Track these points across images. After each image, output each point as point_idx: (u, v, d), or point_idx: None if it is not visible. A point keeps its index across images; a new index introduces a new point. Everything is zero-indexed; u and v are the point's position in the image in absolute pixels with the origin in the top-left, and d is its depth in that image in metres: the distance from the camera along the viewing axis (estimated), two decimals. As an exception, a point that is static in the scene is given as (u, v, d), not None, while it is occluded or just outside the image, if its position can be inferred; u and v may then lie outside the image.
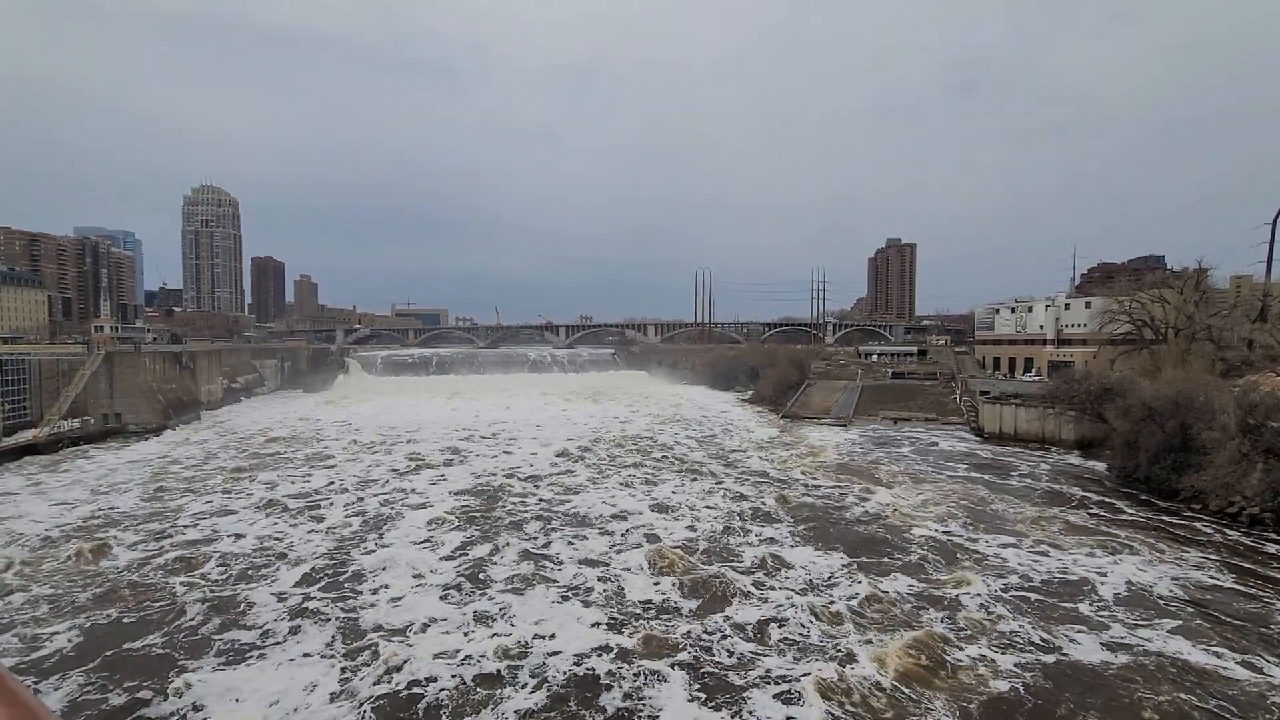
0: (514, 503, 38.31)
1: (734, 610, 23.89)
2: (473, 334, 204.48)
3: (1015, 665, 20.03)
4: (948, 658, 20.44)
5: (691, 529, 33.38)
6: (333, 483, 43.36)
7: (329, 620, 23.08)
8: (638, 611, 23.87)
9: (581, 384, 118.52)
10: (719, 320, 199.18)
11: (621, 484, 42.89)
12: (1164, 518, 35.51)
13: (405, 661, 20.10)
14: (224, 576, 27.14)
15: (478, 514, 35.91)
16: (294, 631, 22.31)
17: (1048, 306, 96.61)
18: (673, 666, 20.00)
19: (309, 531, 32.76)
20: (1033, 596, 25.13)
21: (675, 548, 30.09)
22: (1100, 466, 47.48)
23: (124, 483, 44.05)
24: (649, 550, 29.88)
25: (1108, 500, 38.93)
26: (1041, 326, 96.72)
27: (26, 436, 57.34)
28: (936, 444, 57.97)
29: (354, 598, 24.85)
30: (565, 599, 24.98)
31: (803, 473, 45.84)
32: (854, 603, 24.39)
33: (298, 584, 26.23)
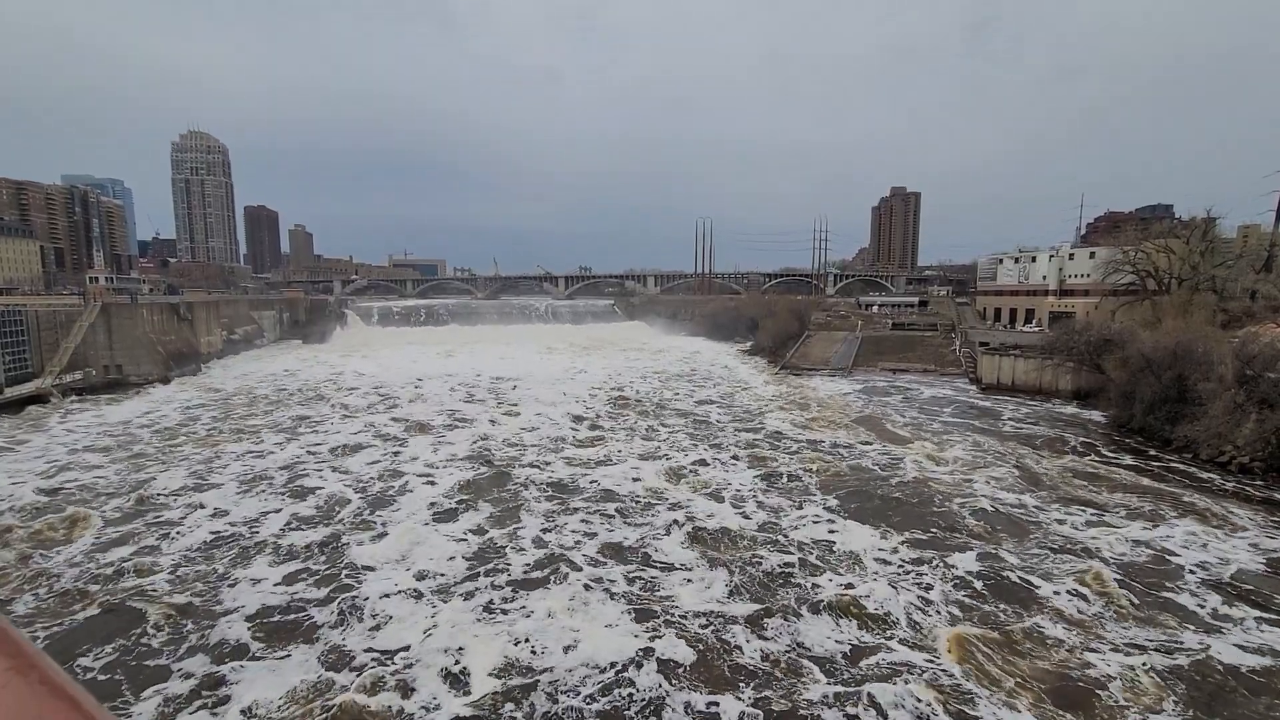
0: (524, 475, 34.83)
1: (802, 620, 20.02)
2: (471, 285, 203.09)
3: (1159, 682, 16.94)
4: (1084, 682, 17.01)
5: (728, 506, 30.07)
6: (328, 448, 40.85)
7: (316, 630, 19.59)
8: (683, 618, 20.12)
9: (582, 336, 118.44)
10: (719, 271, 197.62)
11: (641, 453, 39.39)
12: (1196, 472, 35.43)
13: (404, 680, 17.29)
14: (198, 571, 23.55)
15: (484, 489, 32.61)
16: (275, 647, 18.71)
17: (1051, 256, 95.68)
18: (734, 698, 16.54)
19: (298, 513, 29.34)
20: (1120, 580, 22.44)
21: (715, 532, 26.75)
22: (1097, 415, 48.22)
23: (107, 444, 41.72)
24: (685, 536, 26.49)
25: (1137, 458, 37.90)
26: (1044, 277, 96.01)
27: (29, 388, 57.65)
28: (942, 395, 58.34)
29: (346, 598, 21.36)
30: (591, 598, 21.52)
31: (826, 433, 43.88)
32: (942, 605, 20.85)
33: (280, 583, 22.63)
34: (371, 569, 23.64)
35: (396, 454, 39.46)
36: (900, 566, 23.84)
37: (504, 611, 20.70)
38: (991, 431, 44.32)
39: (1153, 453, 38.58)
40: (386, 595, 21.61)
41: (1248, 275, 70.60)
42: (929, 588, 22.12)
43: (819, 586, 22.28)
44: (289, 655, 18.35)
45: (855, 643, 18.97)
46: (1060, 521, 28.05)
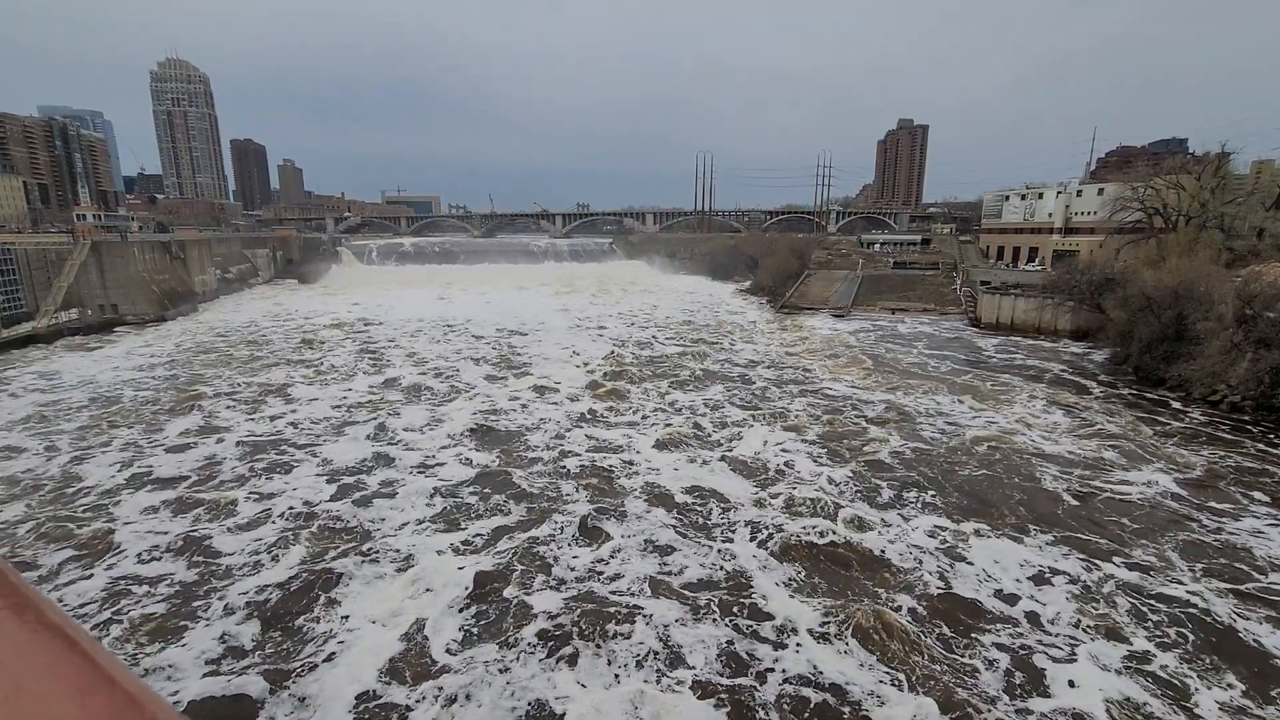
0: (544, 465, 28.49)
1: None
2: (467, 222, 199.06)
3: None
4: None
5: (818, 516, 23.12)
6: (311, 421, 35.13)
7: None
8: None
9: (583, 275, 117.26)
10: (719, 208, 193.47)
11: (684, 430, 32.90)
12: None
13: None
14: (121, 615, 17.37)
15: (494, 486, 26.24)
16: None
17: (1058, 193, 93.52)
18: None
19: (258, 530, 22.63)
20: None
21: (827, 566, 19.99)
22: (1099, 356, 48.47)
23: (28, 414, 36.79)
24: (782, 577, 19.16)
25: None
26: (1050, 215, 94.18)
27: (25, 328, 57.46)
28: (948, 337, 58.34)
29: (308, 671, 15.51)
30: (657, 687, 14.94)
31: (873, 392, 39.80)
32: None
33: (209, 666, 15.77)
34: (340, 632, 17.03)
35: (389, 431, 33.64)
36: (1081, 614, 17.61)
37: (529, 696, 14.78)
38: (1036, 378, 43.00)
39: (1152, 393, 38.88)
40: (363, 660, 15.90)
41: (1257, 213, 69.31)
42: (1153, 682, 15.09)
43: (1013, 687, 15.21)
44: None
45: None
46: (1193, 510, 23.71)
